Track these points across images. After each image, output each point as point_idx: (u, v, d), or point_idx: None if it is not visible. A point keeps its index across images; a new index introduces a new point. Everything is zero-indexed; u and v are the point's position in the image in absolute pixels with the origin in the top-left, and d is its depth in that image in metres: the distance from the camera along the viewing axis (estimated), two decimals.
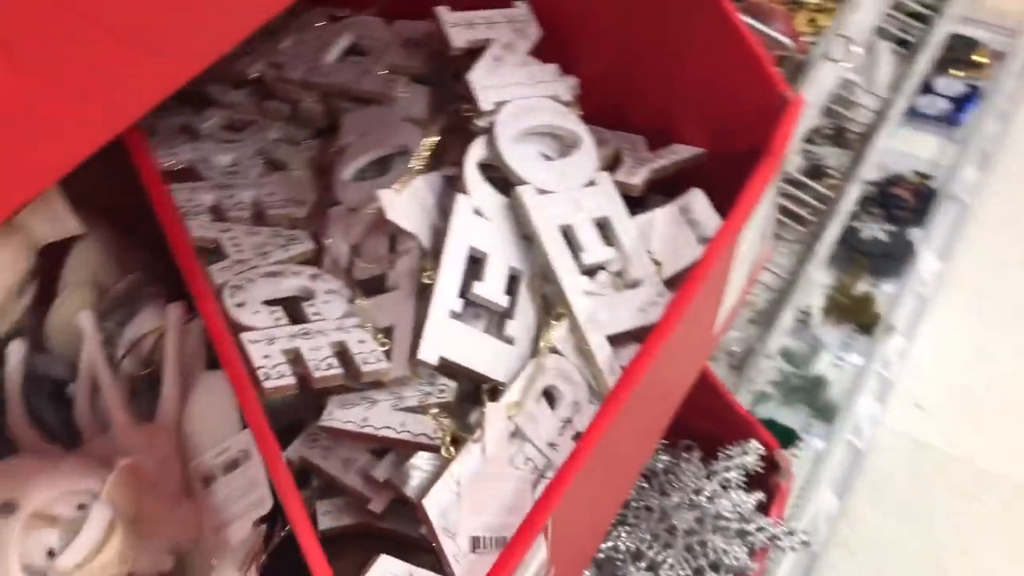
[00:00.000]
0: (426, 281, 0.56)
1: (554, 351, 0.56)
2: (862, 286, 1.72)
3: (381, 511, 0.56)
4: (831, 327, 1.82)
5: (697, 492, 0.86)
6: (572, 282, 0.58)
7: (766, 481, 0.88)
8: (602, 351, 0.56)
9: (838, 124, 1.56)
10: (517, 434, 0.54)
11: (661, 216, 0.63)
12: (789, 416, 1.67)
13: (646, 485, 0.87)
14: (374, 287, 0.58)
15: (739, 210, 0.57)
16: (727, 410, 0.89)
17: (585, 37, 0.67)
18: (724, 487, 0.87)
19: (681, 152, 0.66)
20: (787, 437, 1.64)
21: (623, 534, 0.84)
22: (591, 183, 0.62)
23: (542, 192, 0.60)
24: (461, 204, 0.58)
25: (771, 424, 1.64)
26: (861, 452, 1.54)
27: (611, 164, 0.67)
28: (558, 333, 0.57)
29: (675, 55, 0.65)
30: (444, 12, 0.64)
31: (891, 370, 1.53)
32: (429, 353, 0.53)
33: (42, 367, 0.63)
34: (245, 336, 0.52)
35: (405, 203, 0.59)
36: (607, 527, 0.75)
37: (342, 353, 0.53)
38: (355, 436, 0.54)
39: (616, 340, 0.58)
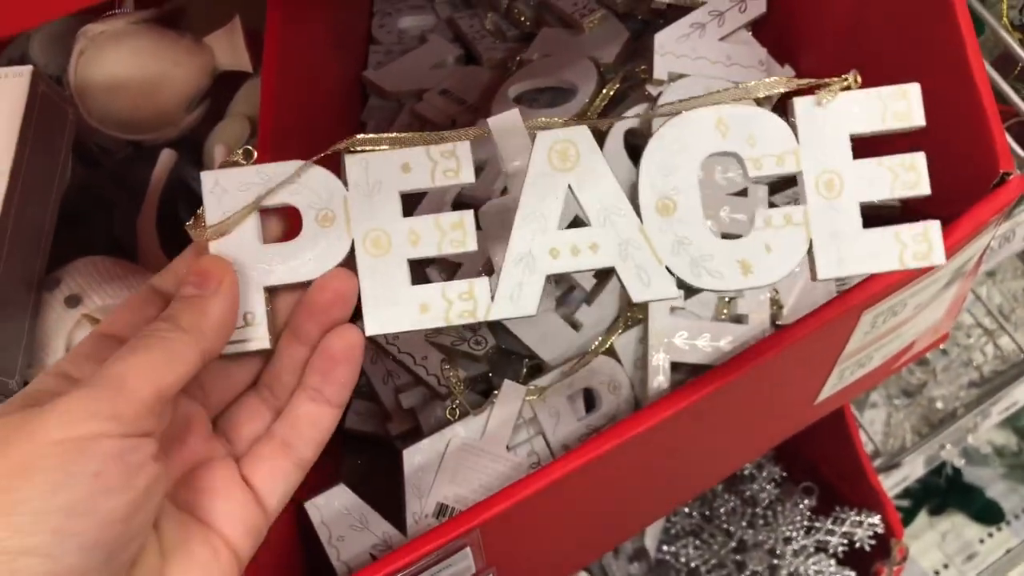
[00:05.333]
0: None
1: (612, 355, 0.52)
2: None
3: (396, 434, 0.56)
4: None
5: (787, 541, 0.79)
6: None
7: (868, 563, 0.78)
8: (658, 377, 0.51)
9: None
10: (532, 423, 0.51)
11: None
12: (1004, 493, 1.48)
13: (739, 506, 0.81)
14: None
15: (872, 284, 0.48)
16: (859, 473, 0.79)
17: (812, 26, 0.58)
18: (819, 549, 0.79)
19: None
20: (991, 514, 1.46)
21: (691, 547, 0.80)
22: (742, 192, 0.55)
23: None
24: None
25: (976, 493, 1.47)
26: None
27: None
28: (624, 339, 0.52)
29: (903, 79, 0.54)
30: None
31: None
32: None
33: (190, 178, 0.68)
34: None
35: None
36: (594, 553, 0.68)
37: None
38: (381, 349, 0.53)
39: (696, 371, 0.52)
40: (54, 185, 0.57)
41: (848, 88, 0.37)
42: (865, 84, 0.57)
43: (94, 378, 0.31)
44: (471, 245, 0.36)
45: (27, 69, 0.55)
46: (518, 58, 0.65)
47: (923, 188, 0.38)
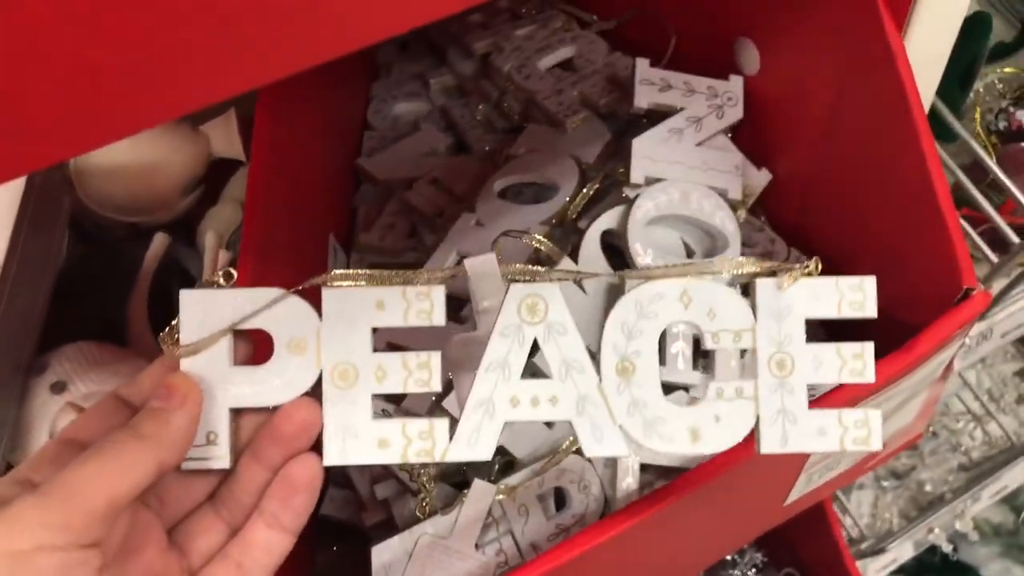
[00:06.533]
0: None
1: (582, 453, 0.53)
2: None
3: (371, 524, 0.57)
4: None
5: None
6: None
7: None
8: (627, 479, 0.52)
9: None
10: (502, 520, 0.52)
11: None
12: (1000, 573, 1.46)
13: None
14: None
15: (837, 396, 0.49)
16: (838, 561, 0.79)
17: (788, 131, 0.60)
18: None
19: None
20: None
21: None
22: None
23: None
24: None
25: (971, 573, 1.45)
26: None
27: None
28: None
29: (871, 191, 0.56)
30: (643, 65, 0.59)
31: None
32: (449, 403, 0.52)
33: (184, 258, 0.70)
34: None
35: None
36: None
37: None
38: None
39: (665, 473, 0.53)
40: (47, 271, 0.58)
41: (809, 274, 0.39)
42: (834, 190, 0.59)
43: (47, 486, 0.31)
44: (435, 386, 0.37)
45: None
46: (505, 152, 0.67)
47: (868, 376, 0.40)
